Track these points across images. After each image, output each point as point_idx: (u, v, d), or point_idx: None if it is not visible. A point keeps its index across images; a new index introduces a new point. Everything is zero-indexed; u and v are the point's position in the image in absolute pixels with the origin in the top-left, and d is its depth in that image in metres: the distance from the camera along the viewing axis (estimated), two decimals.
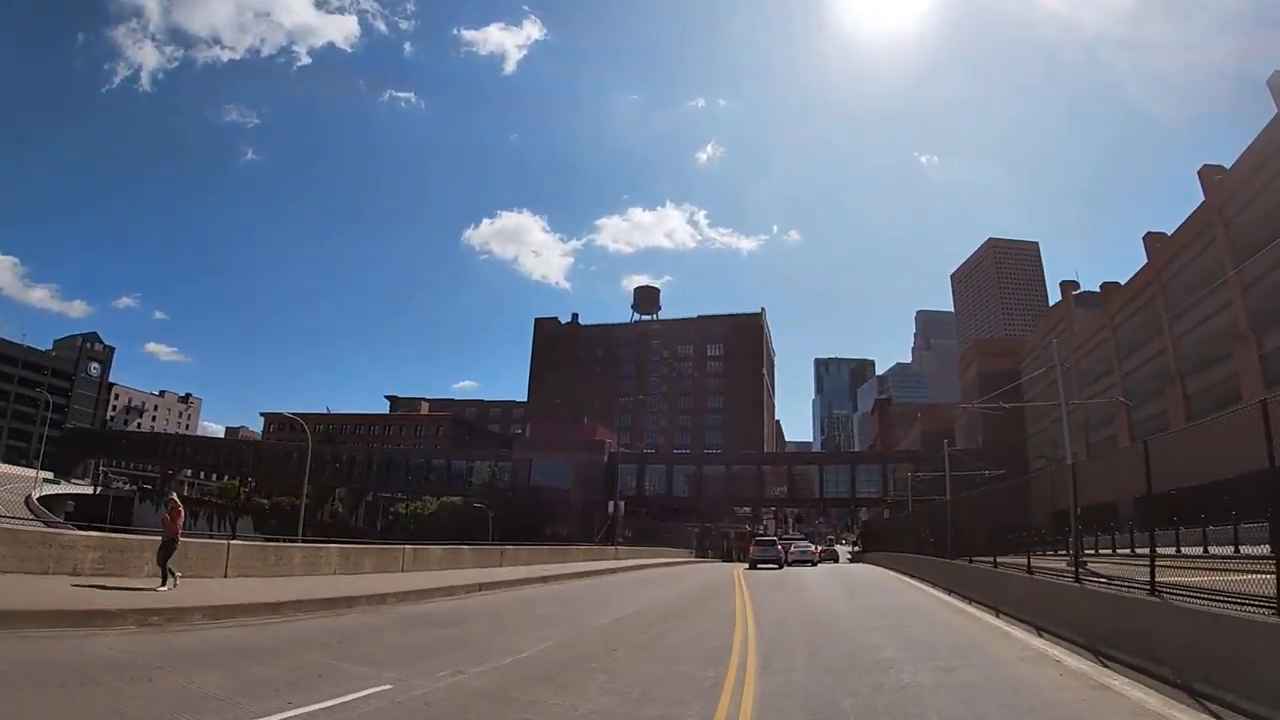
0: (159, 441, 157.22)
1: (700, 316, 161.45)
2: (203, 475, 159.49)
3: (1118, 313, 64.18)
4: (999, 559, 19.90)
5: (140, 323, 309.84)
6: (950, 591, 23.48)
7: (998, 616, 16.44)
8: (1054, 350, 32.57)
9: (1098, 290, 79.33)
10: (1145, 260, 60.25)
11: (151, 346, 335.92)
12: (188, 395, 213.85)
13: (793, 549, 50.79)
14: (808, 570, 42.13)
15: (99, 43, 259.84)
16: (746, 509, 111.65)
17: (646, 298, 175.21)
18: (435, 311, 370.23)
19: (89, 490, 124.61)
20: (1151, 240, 60.70)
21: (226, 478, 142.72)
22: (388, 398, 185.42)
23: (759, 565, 42.50)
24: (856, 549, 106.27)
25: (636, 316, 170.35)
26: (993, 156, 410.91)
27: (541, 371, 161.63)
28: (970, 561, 23.41)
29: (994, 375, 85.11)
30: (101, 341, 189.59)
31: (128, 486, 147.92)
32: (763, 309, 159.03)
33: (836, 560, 73.32)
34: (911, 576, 32.05)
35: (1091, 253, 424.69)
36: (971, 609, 18.71)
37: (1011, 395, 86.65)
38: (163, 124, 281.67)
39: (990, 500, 25.21)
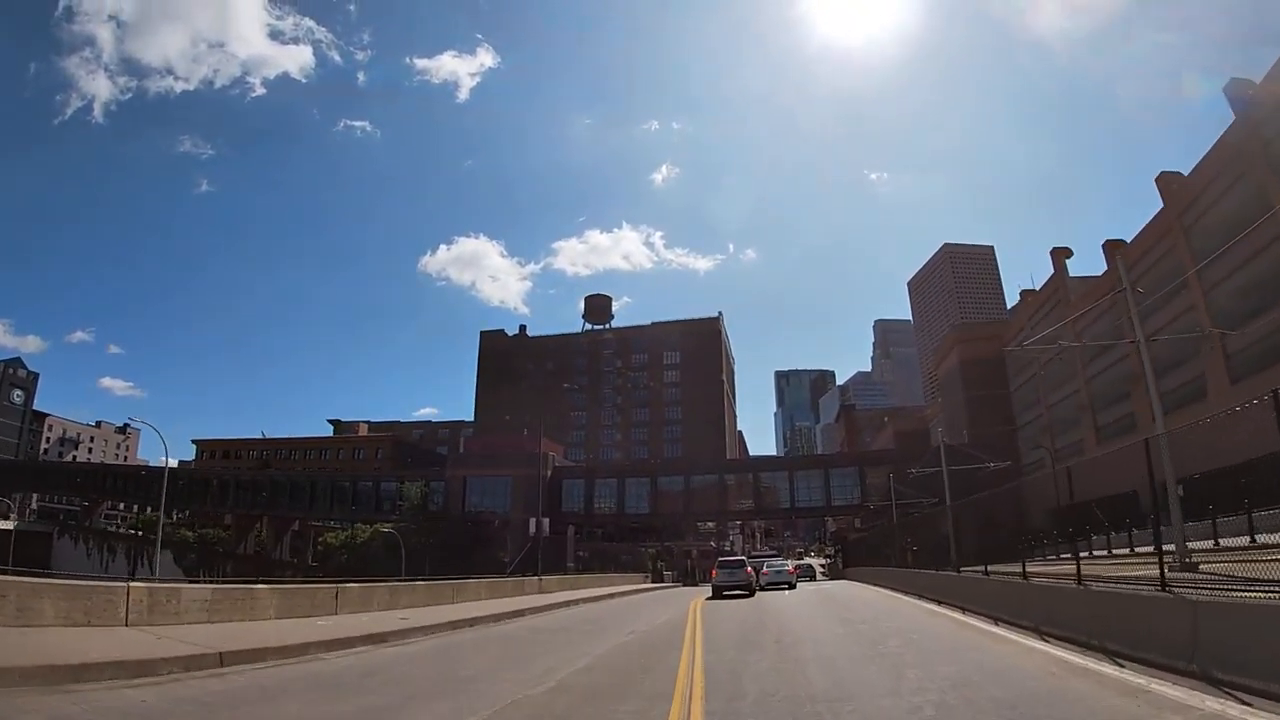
0: (82, 473, 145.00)
1: (654, 323, 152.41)
2: (135, 508, 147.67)
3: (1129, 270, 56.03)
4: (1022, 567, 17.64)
5: (95, 357, 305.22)
6: (966, 610, 19.41)
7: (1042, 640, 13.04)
8: (1120, 268, 23.54)
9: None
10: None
11: (106, 381, 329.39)
12: (125, 425, 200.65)
13: (765, 569, 41.70)
14: (786, 596, 33.09)
15: (50, 73, 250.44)
16: (710, 524, 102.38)
17: (597, 307, 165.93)
18: (393, 339, 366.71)
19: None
20: (1165, 181, 53.30)
21: (150, 510, 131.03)
22: (330, 421, 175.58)
23: (725, 593, 33.31)
24: (827, 561, 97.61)
25: (587, 327, 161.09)
26: (943, 168, 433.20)
27: (488, 387, 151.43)
28: (986, 573, 20.53)
29: (976, 362, 77.58)
30: (25, 368, 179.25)
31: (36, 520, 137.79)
32: (719, 313, 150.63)
33: (813, 578, 64.51)
34: (917, 596, 26.78)
35: (1045, 256, 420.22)
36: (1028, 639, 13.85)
37: (997, 380, 79.17)
38: (116, 156, 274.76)
39: (999, 501, 23.98)
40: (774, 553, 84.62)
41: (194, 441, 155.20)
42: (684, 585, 67.50)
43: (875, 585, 39.87)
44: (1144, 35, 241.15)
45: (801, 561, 75.73)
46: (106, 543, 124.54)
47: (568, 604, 28.84)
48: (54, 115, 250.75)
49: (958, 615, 18.93)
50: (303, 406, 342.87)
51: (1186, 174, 52.53)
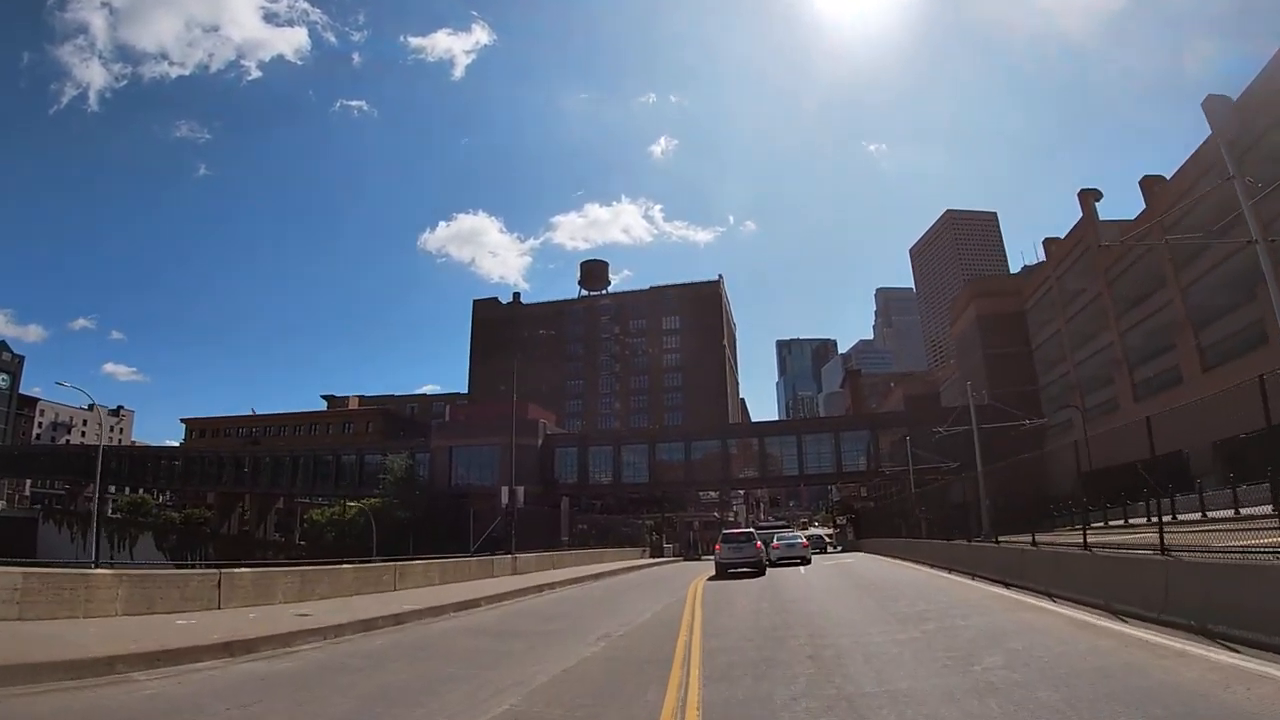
0: (68, 455, 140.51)
1: (653, 288, 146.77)
2: (128, 490, 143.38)
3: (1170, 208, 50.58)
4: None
5: (98, 344, 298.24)
6: (1053, 597, 14.85)
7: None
8: (1224, 156, 18.24)
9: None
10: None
11: (109, 367, 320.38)
12: (119, 408, 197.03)
13: (775, 543, 36.64)
14: (803, 575, 28.08)
15: (45, 63, 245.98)
16: (713, 494, 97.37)
17: (594, 273, 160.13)
18: (393, 317, 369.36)
19: None
20: (1211, 105, 47.48)
21: (141, 491, 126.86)
22: (324, 397, 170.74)
23: (732, 571, 28.27)
24: (834, 531, 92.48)
25: (584, 293, 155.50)
26: (943, 137, 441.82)
27: (482, 358, 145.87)
28: (1034, 543, 18.33)
29: (996, 318, 72.46)
30: (10, 351, 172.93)
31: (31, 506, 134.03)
32: (720, 276, 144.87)
33: (824, 550, 59.73)
34: (964, 574, 22.73)
35: (1050, 222, 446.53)
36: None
37: (1017, 337, 73.85)
38: (113, 143, 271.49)
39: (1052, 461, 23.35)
40: (782, 523, 79.53)
41: (182, 421, 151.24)
42: (685, 559, 62.65)
43: (902, 559, 35.12)
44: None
45: (812, 532, 70.74)
46: (89, 527, 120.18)
47: (539, 589, 23.82)
48: (49, 105, 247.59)
49: (1046, 604, 13.95)
50: (304, 385, 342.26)
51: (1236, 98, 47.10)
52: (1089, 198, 61.01)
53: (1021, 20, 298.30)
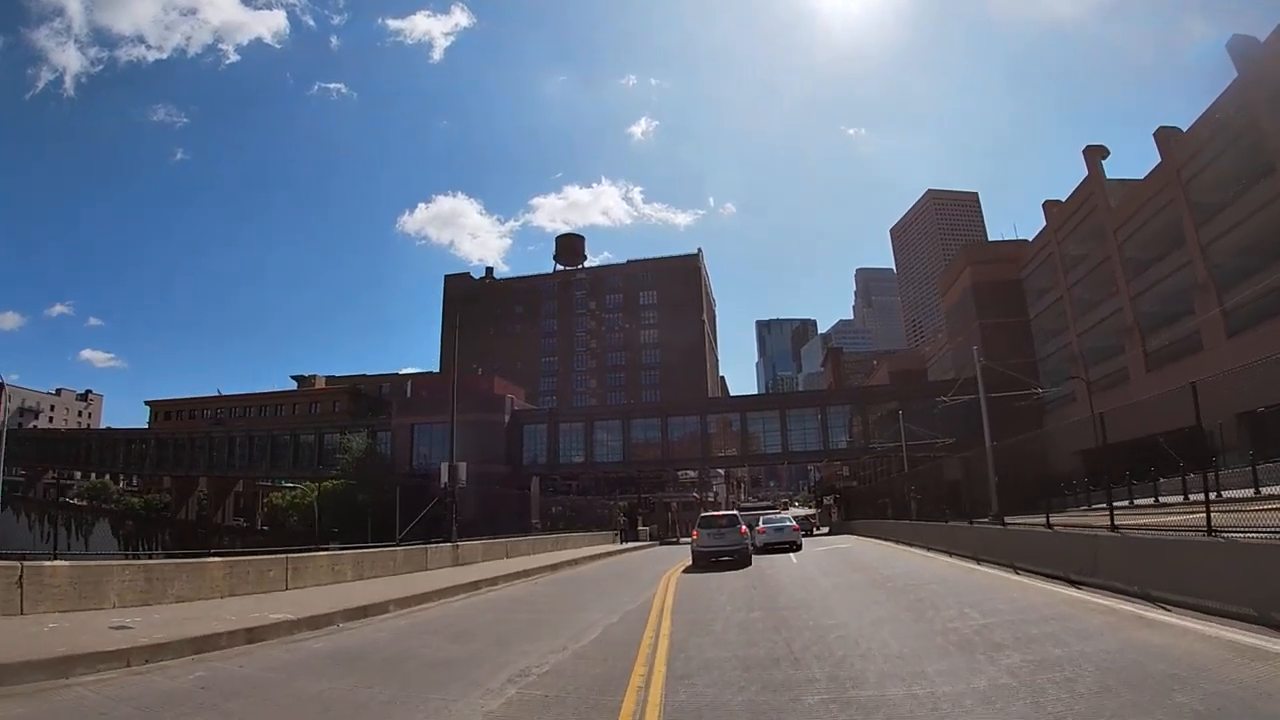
0: (27, 440, 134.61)
1: (630, 261, 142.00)
2: (91, 476, 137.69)
3: (1187, 162, 46.43)
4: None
5: (75, 330, 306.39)
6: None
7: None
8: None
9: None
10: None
11: (87, 354, 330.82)
12: (87, 393, 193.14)
13: (761, 526, 32.34)
14: (797, 565, 23.88)
15: (20, 46, 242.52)
16: (691, 474, 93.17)
17: (569, 247, 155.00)
18: (373, 299, 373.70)
19: None
20: (1238, 45, 43.85)
21: (107, 476, 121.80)
22: (294, 378, 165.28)
23: (712, 561, 23.95)
24: (815, 512, 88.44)
25: (559, 268, 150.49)
26: (925, 121, 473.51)
27: (453, 335, 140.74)
28: (1048, 524, 16.96)
29: (991, 285, 68.50)
30: None
31: None
32: (699, 249, 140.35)
33: (810, 534, 55.73)
34: (991, 563, 19.32)
35: (1031, 203, 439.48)
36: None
37: (1014, 306, 69.72)
38: (90, 128, 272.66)
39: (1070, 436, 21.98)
40: (767, 504, 75.29)
41: (147, 403, 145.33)
42: (661, 544, 58.44)
43: (901, 543, 31.08)
44: None
45: (796, 512, 66.81)
46: (47, 514, 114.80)
47: (474, 587, 19.40)
48: (26, 89, 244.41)
49: (1147, 610, 9.91)
50: (283, 370, 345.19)
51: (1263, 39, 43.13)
52: (1095, 155, 56.84)
53: (1003, 2, 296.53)
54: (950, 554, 22.76)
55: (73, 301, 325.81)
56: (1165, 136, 48.48)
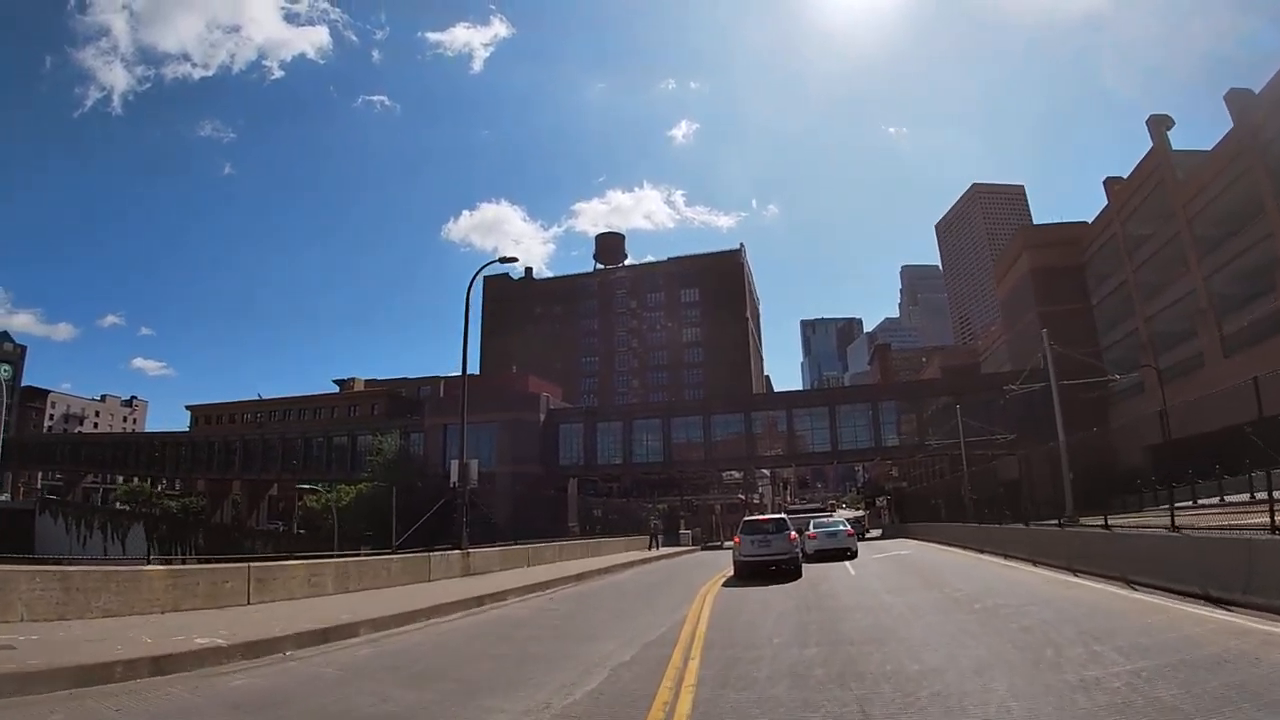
0: (66, 445, 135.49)
1: (671, 259, 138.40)
2: (132, 480, 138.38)
3: (1264, 123, 42.30)
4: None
5: (126, 340, 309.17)
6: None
7: None
8: None
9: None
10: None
11: (139, 362, 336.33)
12: (132, 399, 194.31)
13: (811, 531, 28.94)
14: (854, 576, 20.65)
15: (67, 66, 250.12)
16: (735, 474, 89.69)
17: (610, 246, 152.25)
18: (418, 305, 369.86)
19: None
20: None
21: (138, 480, 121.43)
22: (336, 381, 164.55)
23: (760, 570, 20.79)
24: (862, 514, 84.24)
25: (599, 267, 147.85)
26: (965, 116, 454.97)
27: (494, 336, 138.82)
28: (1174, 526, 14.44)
29: (1050, 271, 64.51)
30: (11, 340, 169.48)
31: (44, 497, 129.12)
32: (741, 245, 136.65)
33: (863, 538, 52.21)
34: (1093, 577, 15.79)
35: (1076, 196, 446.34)
36: None
37: (1075, 293, 65.48)
38: (138, 144, 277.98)
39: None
40: (816, 506, 71.40)
41: (187, 407, 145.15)
42: (703, 549, 55.24)
43: (973, 550, 27.78)
44: None
45: (846, 514, 63.30)
46: (84, 518, 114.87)
47: (475, 604, 16.41)
48: (74, 108, 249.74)
49: None
50: (328, 374, 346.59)
51: None
52: (1160, 125, 52.65)
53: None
54: (1034, 562, 19.47)
55: (124, 312, 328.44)
56: (1237, 99, 44.42)
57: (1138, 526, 17.11)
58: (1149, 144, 53.76)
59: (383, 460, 71.54)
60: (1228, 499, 21.72)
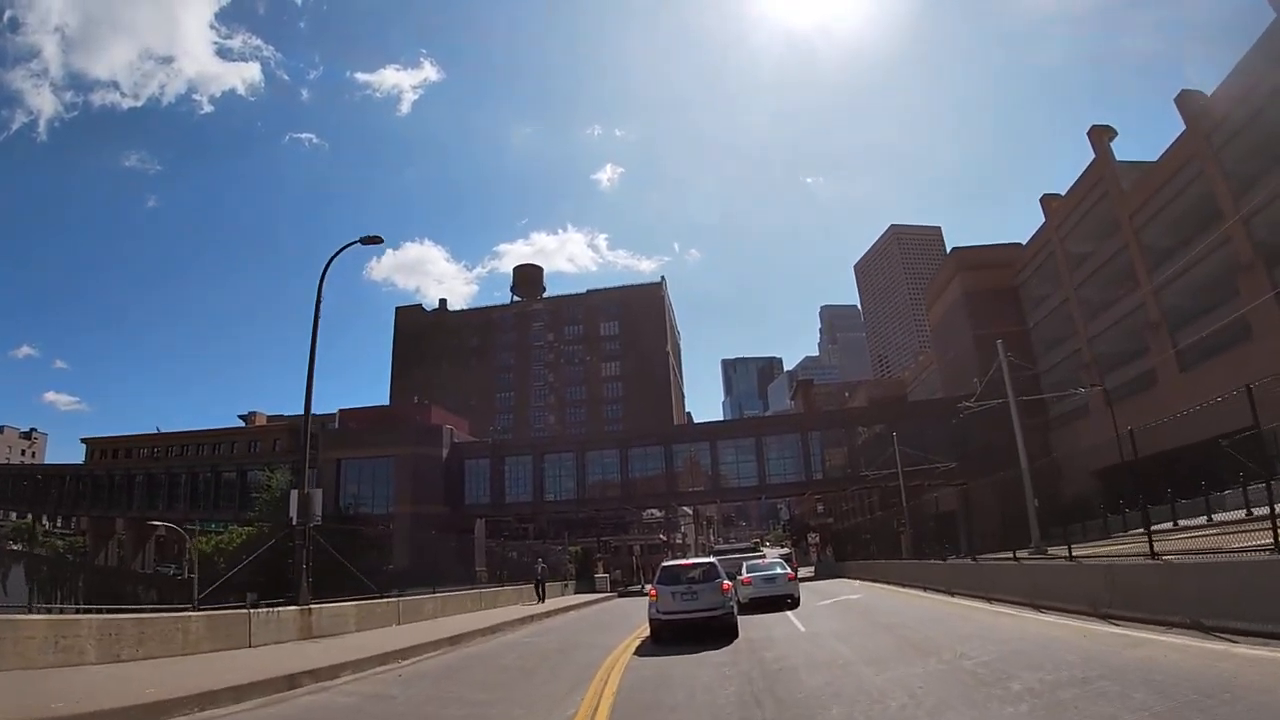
0: None
1: (590, 291, 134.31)
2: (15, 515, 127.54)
3: (1215, 131, 39.99)
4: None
5: (40, 371, 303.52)
6: None
7: None
8: None
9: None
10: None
11: (50, 396, 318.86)
12: (31, 430, 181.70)
13: (745, 575, 24.13)
14: (806, 634, 15.96)
15: None
16: (656, 513, 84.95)
17: (528, 278, 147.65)
18: (337, 343, 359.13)
19: None
20: None
21: (31, 518, 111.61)
22: (241, 416, 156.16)
23: (688, 629, 15.89)
24: (787, 550, 79.80)
25: (515, 299, 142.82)
26: (883, 164, 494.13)
27: (403, 369, 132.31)
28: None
29: (984, 294, 62.22)
30: None
31: None
32: (663, 278, 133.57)
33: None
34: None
35: (993, 235, 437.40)
36: None
37: (1010, 316, 62.82)
38: (62, 172, 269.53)
39: None
40: (749, 547, 66.47)
41: (83, 440, 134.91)
42: (620, 596, 50.22)
43: (934, 590, 23.87)
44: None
45: (779, 552, 59.01)
46: None
47: (284, 685, 11.28)
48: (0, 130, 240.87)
49: None
50: (244, 410, 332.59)
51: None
52: (1102, 136, 50.53)
53: (956, 34, 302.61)
54: (989, 599, 15.36)
55: (39, 343, 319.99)
56: (1189, 101, 42.25)
57: (1108, 555, 15.36)
58: (1063, 187, 52.63)
59: (270, 498, 64.73)
60: (1214, 518, 21.89)
